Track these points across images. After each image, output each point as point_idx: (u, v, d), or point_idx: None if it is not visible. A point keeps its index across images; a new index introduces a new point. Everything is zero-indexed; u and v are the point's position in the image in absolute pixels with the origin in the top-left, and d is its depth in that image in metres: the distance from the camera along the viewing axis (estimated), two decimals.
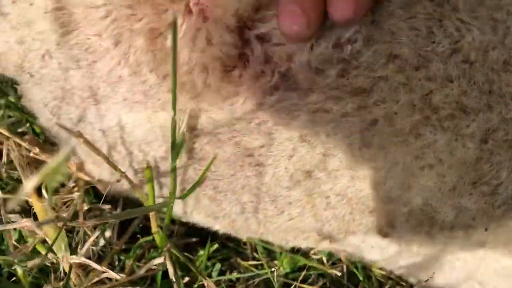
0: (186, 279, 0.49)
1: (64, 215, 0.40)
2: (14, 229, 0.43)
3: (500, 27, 0.32)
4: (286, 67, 0.32)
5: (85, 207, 0.45)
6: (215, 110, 0.36)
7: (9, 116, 0.54)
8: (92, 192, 0.49)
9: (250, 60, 0.33)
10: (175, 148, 0.35)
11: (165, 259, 0.44)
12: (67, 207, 0.46)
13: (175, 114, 0.33)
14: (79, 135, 0.38)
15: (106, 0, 0.33)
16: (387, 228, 0.40)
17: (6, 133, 0.46)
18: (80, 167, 0.48)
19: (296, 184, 0.38)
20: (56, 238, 0.38)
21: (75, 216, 0.44)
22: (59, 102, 0.42)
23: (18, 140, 0.45)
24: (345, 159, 0.35)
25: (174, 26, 0.28)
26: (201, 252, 0.50)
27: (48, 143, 0.51)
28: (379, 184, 0.36)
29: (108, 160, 0.40)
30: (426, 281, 0.40)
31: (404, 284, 0.49)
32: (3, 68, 0.42)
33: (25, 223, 0.38)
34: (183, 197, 0.40)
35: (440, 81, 0.31)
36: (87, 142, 0.38)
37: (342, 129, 0.34)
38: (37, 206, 0.39)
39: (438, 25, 0.31)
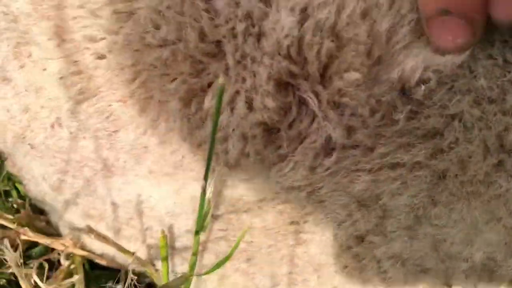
0: None
1: None
2: None
3: None
4: (344, 122, 0.28)
5: None
6: (257, 179, 0.31)
7: None
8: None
9: (297, 119, 0.29)
10: (201, 219, 0.30)
11: None
12: None
13: (206, 184, 0.28)
14: (89, 230, 0.33)
15: (136, 60, 0.28)
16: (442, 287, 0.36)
17: None
18: (76, 242, 0.42)
19: (345, 251, 0.33)
20: None
21: None
22: (63, 176, 0.36)
23: (7, 223, 0.39)
24: (405, 219, 0.31)
25: (220, 91, 0.23)
26: None
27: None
28: (439, 242, 0.33)
29: (121, 248, 0.34)
30: None
31: None
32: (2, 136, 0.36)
33: None
34: (210, 271, 0.35)
35: None
36: (99, 236, 0.33)
37: (409, 187, 0.30)
38: None
39: None
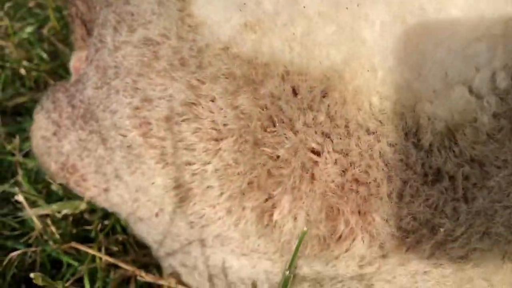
0: None
1: None
2: None
3: None
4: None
5: None
6: (318, 265, 0.38)
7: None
8: None
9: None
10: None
11: None
12: None
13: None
14: (172, 282, 0.41)
15: (222, 183, 0.36)
16: None
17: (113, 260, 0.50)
18: (179, 280, 0.51)
19: None
20: None
21: None
22: (164, 238, 0.45)
23: (126, 266, 0.49)
24: None
25: (301, 237, 0.31)
26: None
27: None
28: None
29: None
30: None
31: None
32: (113, 210, 0.45)
33: None
34: None
35: None
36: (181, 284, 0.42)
37: (441, 285, 0.36)
38: None
39: None
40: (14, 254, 0.53)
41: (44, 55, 0.78)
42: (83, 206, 0.51)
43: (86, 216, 0.60)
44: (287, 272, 0.36)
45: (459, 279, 0.36)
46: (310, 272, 0.40)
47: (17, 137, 0.62)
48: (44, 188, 0.60)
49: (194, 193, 0.39)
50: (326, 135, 0.34)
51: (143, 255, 0.57)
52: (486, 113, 0.32)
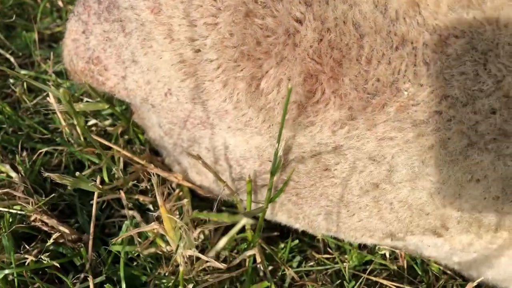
0: (270, 267, 0.57)
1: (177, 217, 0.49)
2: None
3: None
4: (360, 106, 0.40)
5: (191, 212, 0.54)
6: (299, 136, 0.43)
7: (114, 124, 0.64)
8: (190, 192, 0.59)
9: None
10: (275, 168, 0.43)
11: (257, 251, 0.52)
12: (176, 209, 0.55)
13: (279, 145, 0.41)
14: (198, 157, 0.47)
15: (218, 55, 0.42)
16: (441, 229, 0.46)
17: (128, 154, 0.56)
18: (185, 176, 0.57)
19: (365, 193, 0.45)
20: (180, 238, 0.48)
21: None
22: (173, 126, 0.51)
23: (139, 160, 0.55)
24: (406, 174, 0.42)
25: (288, 93, 0.36)
26: (282, 245, 0.58)
27: (153, 152, 0.61)
28: (434, 193, 0.43)
29: (218, 176, 0.49)
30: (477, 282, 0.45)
31: (458, 278, 0.55)
32: (130, 99, 0.51)
33: (155, 226, 0.48)
34: (272, 200, 0.49)
35: (484, 114, 0.38)
36: (205, 164, 0.47)
37: (405, 152, 0.40)
38: (165, 217, 0.48)
39: (483, 69, 0.37)
40: (42, 150, 0.60)
41: None
42: (105, 105, 0.57)
43: (110, 129, 0.66)
44: (277, 146, 0.41)
45: (420, 146, 0.40)
46: (294, 145, 0.45)
47: (51, 56, 0.69)
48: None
49: (196, 68, 0.44)
50: (308, 4, 0.39)
51: (156, 160, 0.63)
52: None
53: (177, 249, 0.47)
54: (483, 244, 0.48)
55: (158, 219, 0.52)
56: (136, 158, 0.57)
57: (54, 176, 0.45)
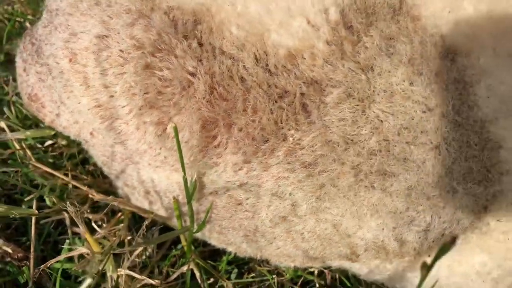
0: (211, 279, 0.63)
1: (112, 240, 0.56)
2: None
3: (409, 111, 0.42)
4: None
5: (129, 237, 0.60)
6: (210, 173, 0.49)
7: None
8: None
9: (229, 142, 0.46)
10: (189, 195, 0.49)
11: (190, 265, 0.58)
12: (114, 233, 0.62)
13: (185, 174, 0.46)
14: (113, 200, 0.53)
15: (128, 101, 0.47)
16: (352, 256, 0.51)
17: (70, 181, 0.62)
18: (128, 201, 0.63)
19: (276, 225, 0.50)
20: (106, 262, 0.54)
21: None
22: (107, 158, 0.57)
23: (80, 186, 0.61)
24: (308, 208, 0.47)
25: (175, 132, 0.42)
26: (224, 258, 0.64)
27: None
28: (337, 225, 0.48)
29: (138, 208, 0.55)
30: None
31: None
32: (67, 134, 0.58)
33: (82, 250, 0.54)
34: (196, 231, 0.54)
35: (366, 156, 0.42)
36: (128, 205, 0.53)
37: (301, 190, 0.45)
38: (90, 240, 0.54)
39: (361, 115, 0.42)
40: None
41: None
42: (51, 132, 0.63)
43: (64, 149, 0.72)
44: (182, 174, 0.46)
45: (312, 184, 0.45)
46: (207, 181, 0.51)
47: (11, 79, 0.76)
48: (33, 125, 0.74)
49: (111, 112, 0.50)
50: (199, 59, 0.44)
51: (104, 183, 0.69)
52: (321, 41, 0.41)
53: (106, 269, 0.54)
54: (394, 266, 0.53)
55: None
56: (78, 184, 0.63)
57: None
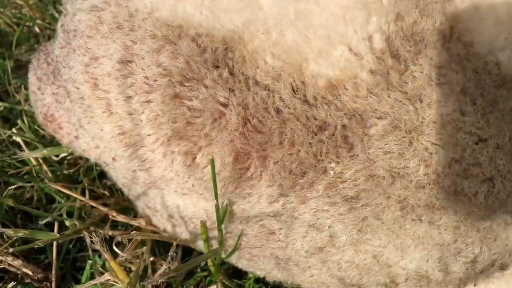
0: None
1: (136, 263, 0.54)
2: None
3: (460, 144, 0.40)
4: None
5: (151, 257, 0.58)
6: (242, 203, 0.47)
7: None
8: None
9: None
10: (219, 218, 0.48)
11: (217, 286, 0.57)
12: (137, 258, 0.60)
13: (217, 201, 0.45)
14: (142, 222, 0.51)
15: (154, 130, 0.45)
16: (391, 284, 0.49)
17: (88, 201, 0.61)
18: (148, 221, 0.61)
19: (312, 255, 0.49)
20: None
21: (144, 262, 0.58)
22: (128, 181, 0.55)
23: (100, 207, 0.59)
24: (347, 240, 0.45)
25: (212, 164, 0.40)
26: (250, 275, 0.63)
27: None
28: (377, 256, 0.46)
29: (162, 236, 0.53)
30: None
31: None
32: (86, 156, 0.56)
33: (108, 277, 0.53)
34: (225, 258, 0.53)
35: (413, 189, 0.40)
36: (150, 228, 0.51)
37: (341, 222, 0.43)
38: (116, 268, 0.53)
39: (408, 147, 0.40)
40: (12, 187, 0.65)
41: (57, 15, 0.88)
42: (69, 150, 0.62)
43: (80, 161, 0.70)
44: (215, 202, 0.44)
45: (354, 218, 0.43)
46: (238, 210, 0.49)
47: (23, 88, 0.74)
48: (47, 136, 0.72)
49: (136, 139, 0.48)
50: (231, 90, 0.42)
51: (123, 200, 0.67)
52: (364, 70, 0.39)
53: None
54: None
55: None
56: (97, 205, 0.62)
57: (9, 231, 0.50)
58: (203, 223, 0.52)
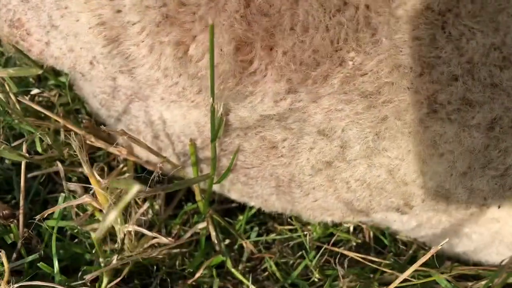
0: (227, 241, 0.56)
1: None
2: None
3: (501, 28, 0.34)
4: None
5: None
6: (240, 108, 0.41)
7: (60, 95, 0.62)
8: (140, 167, 0.56)
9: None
10: (214, 128, 0.42)
11: (207, 223, 0.51)
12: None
13: (213, 101, 0.39)
14: (122, 133, 0.44)
15: (140, 17, 0.38)
16: (404, 207, 0.44)
17: (64, 122, 0.53)
18: (130, 150, 0.54)
19: (318, 172, 0.43)
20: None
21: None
22: (107, 96, 0.48)
23: (76, 129, 0.52)
24: (361, 150, 0.40)
25: (211, 30, 0.33)
26: (240, 217, 0.58)
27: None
28: (393, 170, 0.41)
29: (151, 149, 0.47)
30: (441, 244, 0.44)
31: (427, 248, 0.54)
32: (59, 67, 0.48)
33: (86, 198, 0.46)
34: (217, 182, 0.47)
35: (445, 82, 0.35)
36: (131, 138, 0.45)
37: (356, 125, 0.38)
38: (97, 189, 0.46)
39: (441, 32, 0.34)
40: None
41: None
42: (38, 71, 0.54)
43: (54, 100, 0.63)
44: (211, 100, 0.38)
45: (373, 117, 0.38)
46: (235, 120, 0.42)
47: None
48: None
49: (118, 32, 0.41)
50: None
51: (107, 134, 0.60)
52: None
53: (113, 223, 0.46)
54: (452, 221, 0.46)
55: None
56: (73, 128, 0.55)
57: None
58: (193, 142, 0.45)
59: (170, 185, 0.47)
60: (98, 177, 0.46)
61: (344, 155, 0.41)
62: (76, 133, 0.54)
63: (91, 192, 0.49)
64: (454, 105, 0.36)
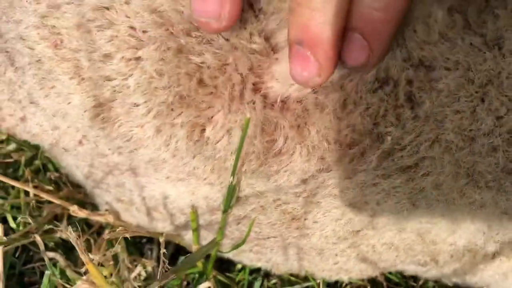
0: None
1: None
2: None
3: None
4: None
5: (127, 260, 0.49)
6: (260, 185, 0.39)
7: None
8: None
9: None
10: (228, 197, 0.40)
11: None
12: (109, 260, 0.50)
13: (234, 179, 0.38)
14: (109, 218, 0.41)
15: (147, 98, 0.35)
16: (430, 263, 0.44)
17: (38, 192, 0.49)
18: (117, 216, 0.51)
19: (343, 241, 0.42)
20: None
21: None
22: (95, 170, 0.45)
23: (53, 199, 0.49)
24: (392, 218, 0.39)
25: (246, 125, 0.32)
26: (239, 266, 0.56)
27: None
28: (424, 233, 0.41)
29: (150, 232, 0.46)
30: None
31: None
32: (37, 142, 0.44)
33: (82, 285, 0.43)
34: (225, 252, 0.45)
35: (484, 153, 0.34)
36: (119, 220, 0.45)
37: (392, 197, 0.37)
38: (95, 275, 0.43)
39: (481, 104, 0.33)
40: None
41: None
42: (1, 136, 0.50)
43: (15, 156, 0.58)
44: (231, 179, 0.36)
45: (409, 190, 0.37)
46: (252, 193, 0.40)
47: None
48: None
49: (118, 112, 0.38)
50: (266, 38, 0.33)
51: (78, 192, 0.56)
52: (441, 7, 0.31)
53: None
54: (474, 268, 0.47)
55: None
56: (51, 199, 0.51)
57: None
58: (194, 209, 0.43)
59: (180, 267, 0.45)
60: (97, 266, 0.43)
61: (374, 223, 0.40)
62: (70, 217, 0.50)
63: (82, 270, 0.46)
64: (494, 174, 0.36)
